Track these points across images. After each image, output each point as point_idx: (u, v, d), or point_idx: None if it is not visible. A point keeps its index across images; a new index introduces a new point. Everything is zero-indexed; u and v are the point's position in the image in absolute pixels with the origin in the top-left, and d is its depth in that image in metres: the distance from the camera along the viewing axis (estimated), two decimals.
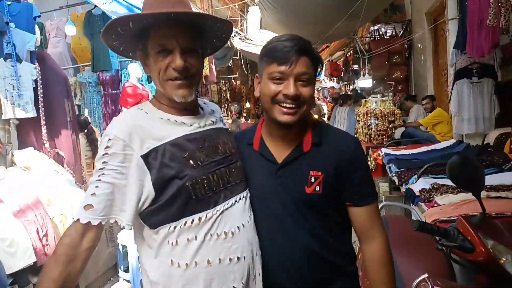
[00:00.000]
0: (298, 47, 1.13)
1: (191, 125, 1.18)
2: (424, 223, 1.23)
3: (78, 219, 1.01)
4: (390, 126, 5.15)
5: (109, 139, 1.06)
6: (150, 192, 1.07)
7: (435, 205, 2.40)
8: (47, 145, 3.30)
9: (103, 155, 1.05)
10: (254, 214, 1.24)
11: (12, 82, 3.03)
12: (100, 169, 1.04)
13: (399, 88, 8.53)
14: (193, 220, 1.10)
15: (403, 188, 3.04)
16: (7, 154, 3.15)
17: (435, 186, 2.64)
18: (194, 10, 1.23)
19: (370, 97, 5.64)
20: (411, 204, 2.71)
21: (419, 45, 7.76)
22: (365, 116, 5.38)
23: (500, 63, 4.38)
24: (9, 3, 3.10)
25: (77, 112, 4.34)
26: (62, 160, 3.39)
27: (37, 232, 2.73)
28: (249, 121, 7.79)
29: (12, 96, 3.03)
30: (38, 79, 3.23)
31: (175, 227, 1.10)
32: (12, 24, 3.05)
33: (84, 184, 3.49)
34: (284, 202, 1.19)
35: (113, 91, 4.62)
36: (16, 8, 3.14)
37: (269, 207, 1.22)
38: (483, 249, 1.19)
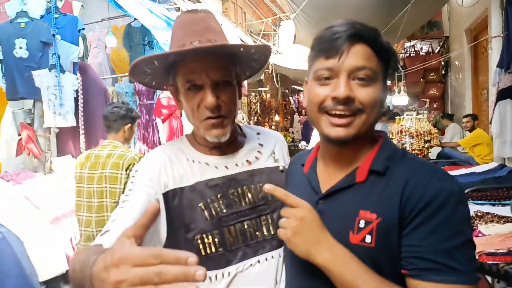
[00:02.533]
0: (352, 32, 0.81)
1: (216, 167, 1.04)
2: (482, 263, 1.13)
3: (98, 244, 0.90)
4: (426, 145, 4.94)
5: (136, 170, 1.00)
6: (164, 235, 0.97)
7: (480, 235, 2.25)
8: None
9: (131, 183, 0.99)
10: (285, 261, 1.00)
11: (55, 91, 3.12)
12: (126, 195, 0.96)
13: (435, 106, 8.29)
14: None
15: None
16: (46, 161, 3.23)
17: (479, 214, 2.50)
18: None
19: (404, 115, 5.47)
20: None
21: (456, 62, 7.53)
22: (399, 135, 5.20)
23: None
24: (56, 16, 3.22)
25: None
26: None
27: (70, 240, 2.77)
28: None
29: (54, 105, 3.12)
30: (79, 89, 3.32)
31: None
32: (58, 36, 3.17)
33: None
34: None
35: (148, 102, 4.70)
36: (62, 21, 3.26)
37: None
38: None
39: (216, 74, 0.97)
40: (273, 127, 8.76)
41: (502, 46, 4.43)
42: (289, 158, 1.21)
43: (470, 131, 5.58)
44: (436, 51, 8.35)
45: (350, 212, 0.81)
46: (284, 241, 0.81)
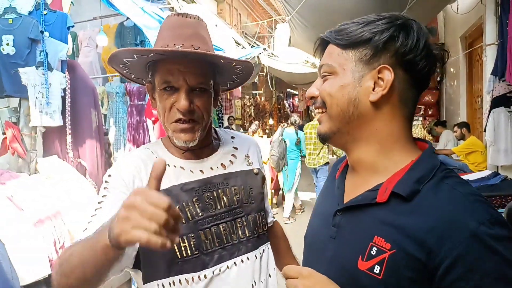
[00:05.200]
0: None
1: (192, 171, 1.05)
2: None
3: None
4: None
5: (109, 175, 0.99)
6: None
7: None
8: (70, 154, 3.28)
9: (104, 188, 0.97)
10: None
11: (42, 90, 3.04)
12: (99, 202, 0.95)
13: (429, 112, 8.29)
14: (180, 280, 0.96)
15: None
16: (31, 161, 3.15)
17: None
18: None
19: None
20: None
21: (451, 69, 7.54)
22: None
23: None
24: (45, 12, 3.14)
25: (103, 121, 4.37)
26: (85, 170, 3.36)
27: (54, 243, 2.68)
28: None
29: (40, 104, 3.04)
30: (67, 88, 3.24)
31: (163, 285, 0.97)
32: (46, 33, 3.09)
33: None
34: (330, 269, 0.75)
35: (139, 102, 4.63)
36: (51, 18, 3.18)
37: (313, 267, 0.79)
38: None
39: (193, 79, 0.98)
40: (267, 130, 8.70)
41: (497, 54, 4.44)
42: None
43: (460, 139, 5.60)
44: None
45: (365, 234, 0.72)
46: None
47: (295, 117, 6.74)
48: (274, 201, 7.43)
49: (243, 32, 8.74)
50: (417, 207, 0.68)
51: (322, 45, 0.83)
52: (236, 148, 1.16)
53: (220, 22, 6.02)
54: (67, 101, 3.25)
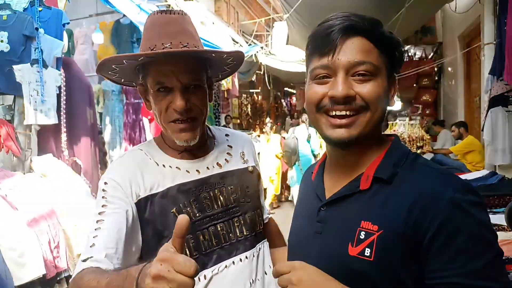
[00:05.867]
0: (345, 24, 0.75)
1: (188, 171, 1.03)
2: None
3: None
4: (418, 151, 4.92)
5: (105, 183, 0.97)
6: (140, 242, 0.97)
7: None
8: (65, 152, 3.25)
9: (102, 198, 0.95)
10: None
11: (37, 87, 3.00)
12: (99, 213, 0.93)
13: (427, 112, 8.31)
14: None
15: None
16: (26, 160, 3.11)
17: None
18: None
19: (397, 120, 5.44)
20: None
21: (449, 69, 7.56)
22: None
23: None
24: (40, 9, 3.10)
25: (98, 120, 4.33)
26: (80, 169, 3.33)
27: (49, 243, 2.65)
28: None
29: (35, 101, 3.00)
30: (62, 85, 3.20)
31: None
32: (41, 30, 3.05)
33: None
34: (319, 263, 0.75)
35: (135, 101, 4.60)
36: (46, 14, 3.14)
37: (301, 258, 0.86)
38: None
39: (186, 77, 0.96)
40: (263, 129, 8.67)
41: (495, 53, 4.43)
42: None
43: (458, 139, 5.60)
44: (429, 57, 8.37)
45: (352, 222, 0.75)
46: None
47: (306, 115, 7.01)
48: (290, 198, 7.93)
49: (240, 30, 8.71)
50: (398, 187, 0.73)
51: (346, 34, 0.75)
52: (231, 147, 1.16)
53: (217, 20, 5.99)
54: (62, 99, 3.22)
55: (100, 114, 4.86)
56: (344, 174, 0.82)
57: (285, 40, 7.15)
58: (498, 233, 2.24)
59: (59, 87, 3.17)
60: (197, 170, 1.05)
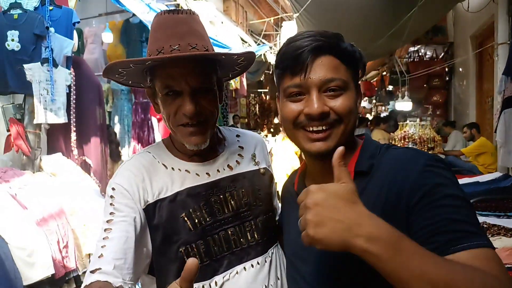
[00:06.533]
0: (314, 45, 0.79)
1: (198, 175, 1.00)
2: None
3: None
4: (429, 153, 4.87)
5: (113, 188, 0.95)
6: (150, 248, 0.95)
7: None
8: (75, 152, 3.25)
9: (110, 204, 0.93)
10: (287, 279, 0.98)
11: (47, 86, 3.00)
12: (107, 220, 0.91)
13: (438, 112, 8.21)
14: None
15: None
16: (35, 159, 3.11)
17: (485, 226, 2.43)
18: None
19: (408, 121, 5.38)
20: None
21: (460, 69, 7.45)
22: (402, 141, 5.11)
23: None
24: (50, 8, 3.10)
25: (107, 119, 4.34)
26: (89, 168, 3.33)
27: (58, 243, 2.65)
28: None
29: (45, 100, 3.00)
30: (72, 84, 3.20)
31: None
32: (52, 29, 3.05)
33: None
34: (321, 265, 0.80)
35: (144, 100, 4.60)
36: (57, 14, 3.14)
37: (299, 271, 0.88)
38: None
39: (195, 80, 0.93)
40: (271, 129, 8.66)
41: (509, 53, 4.34)
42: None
43: (469, 140, 5.51)
44: (440, 57, 8.25)
45: None
46: (311, 245, 0.64)
47: None
48: None
49: (249, 30, 8.69)
50: (378, 172, 0.80)
51: (315, 54, 0.80)
52: (242, 148, 1.12)
53: (226, 20, 5.97)
54: (72, 98, 3.22)
55: (109, 113, 4.87)
56: (327, 180, 0.77)
57: None
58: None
59: (69, 86, 3.17)
60: (207, 173, 1.02)
